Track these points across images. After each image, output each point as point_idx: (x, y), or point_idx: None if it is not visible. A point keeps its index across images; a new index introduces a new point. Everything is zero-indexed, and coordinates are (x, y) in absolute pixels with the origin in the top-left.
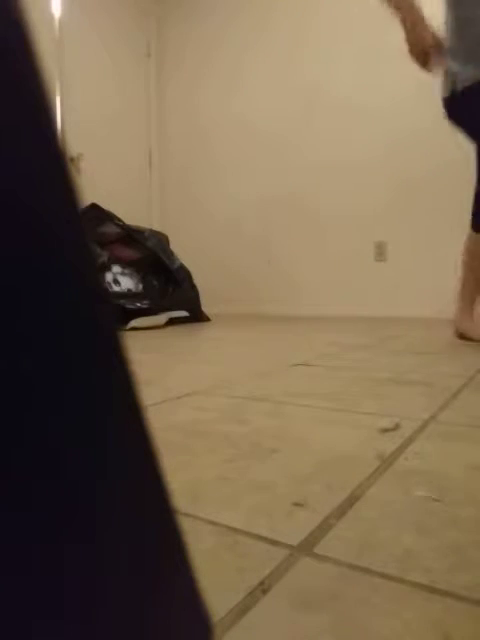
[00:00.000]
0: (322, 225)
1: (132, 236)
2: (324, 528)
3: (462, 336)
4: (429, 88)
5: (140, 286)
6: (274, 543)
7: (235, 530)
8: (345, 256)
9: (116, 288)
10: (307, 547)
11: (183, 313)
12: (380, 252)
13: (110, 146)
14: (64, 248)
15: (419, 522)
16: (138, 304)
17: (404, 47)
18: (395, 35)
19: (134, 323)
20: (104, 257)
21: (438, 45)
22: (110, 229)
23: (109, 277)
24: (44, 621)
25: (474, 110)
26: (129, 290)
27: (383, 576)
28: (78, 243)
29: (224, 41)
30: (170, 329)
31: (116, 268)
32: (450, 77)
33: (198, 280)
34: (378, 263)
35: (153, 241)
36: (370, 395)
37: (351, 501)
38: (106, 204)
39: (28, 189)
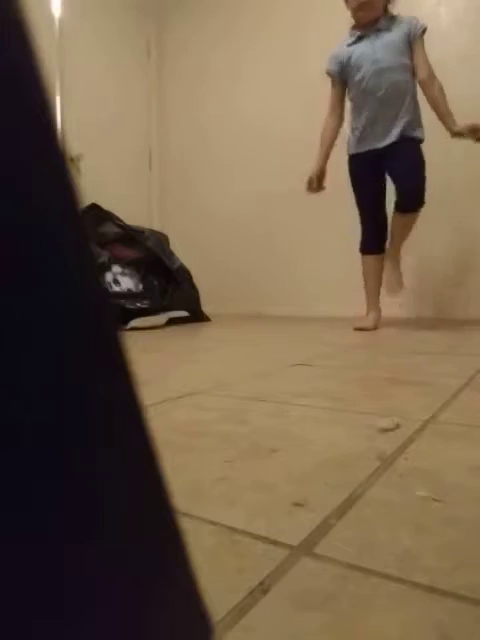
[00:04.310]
0: (322, 224)
1: (132, 236)
2: (324, 528)
3: None
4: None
5: (140, 286)
6: (274, 543)
7: (235, 530)
8: (346, 255)
9: (116, 288)
10: (307, 547)
11: (183, 313)
12: None
13: (110, 146)
14: (64, 248)
15: (419, 522)
16: (138, 304)
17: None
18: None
19: (134, 323)
20: (104, 257)
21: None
22: (110, 229)
23: (109, 277)
24: (44, 621)
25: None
26: (129, 290)
27: (383, 576)
28: (78, 243)
29: (224, 41)
30: (170, 329)
31: (116, 268)
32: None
33: (198, 280)
34: None
35: (153, 241)
36: (370, 395)
37: (351, 501)
38: (106, 204)
39: (28, 189)
